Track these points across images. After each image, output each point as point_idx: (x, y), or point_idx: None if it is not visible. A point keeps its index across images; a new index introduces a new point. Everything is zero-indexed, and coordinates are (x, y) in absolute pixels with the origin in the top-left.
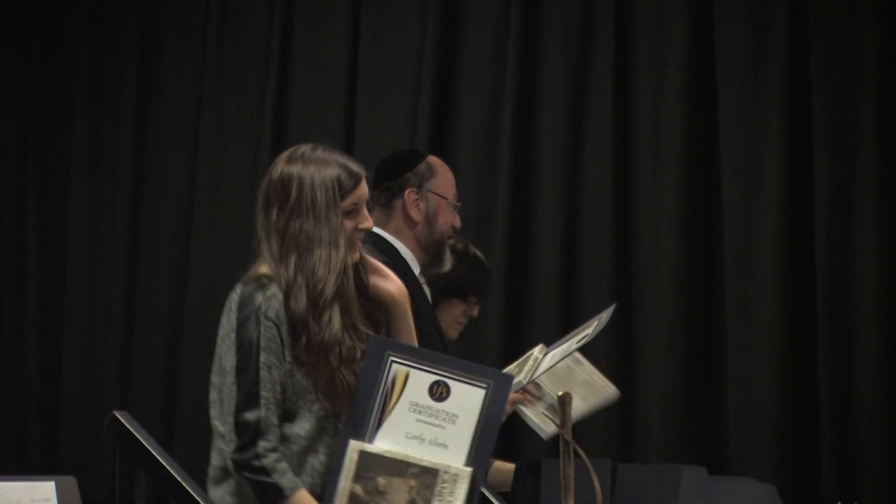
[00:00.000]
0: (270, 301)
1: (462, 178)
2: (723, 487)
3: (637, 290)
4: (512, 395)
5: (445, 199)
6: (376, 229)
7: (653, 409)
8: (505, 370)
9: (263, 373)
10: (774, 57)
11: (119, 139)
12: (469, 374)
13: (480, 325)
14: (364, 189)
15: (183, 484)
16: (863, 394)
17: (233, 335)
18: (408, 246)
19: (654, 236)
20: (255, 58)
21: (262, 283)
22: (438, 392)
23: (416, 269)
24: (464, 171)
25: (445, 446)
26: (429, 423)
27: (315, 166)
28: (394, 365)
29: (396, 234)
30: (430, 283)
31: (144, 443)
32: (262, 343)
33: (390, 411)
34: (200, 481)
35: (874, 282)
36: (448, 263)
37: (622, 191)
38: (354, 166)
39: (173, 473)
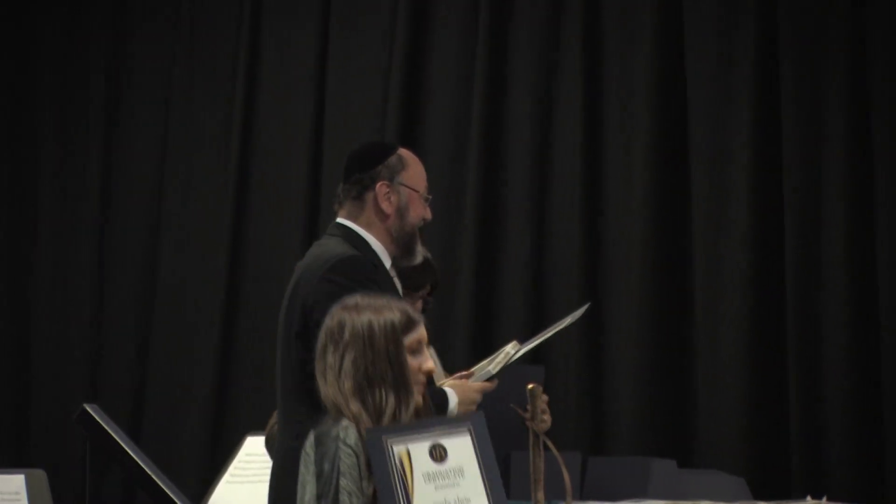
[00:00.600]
0: (348, 430)
1: (431, 168)
2: (692, 480)
3: (607, 284)
4: (483, 384)
5: (416, 191)
6: (347, 222)
7: (622, 402)
8: (477, 366)
9: (343, 498)
10: (744, 50)
11: (88, 133)
12: (451, 425)
13: (450, 320)
14: (423, 332)
15: (152, 476)
16: (832, 388)
17: (311, 468)
18: (379, 238)
19: (623, 232)
20: (225, 49)
21: (334, 420)
22: (438, 454)
23: (387, 263)
24: (433, 161)
25: (469, 500)
26: (445, 485)
27: (372, 311)
28: (393, 446)
29: (367, 226)
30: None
31: (114, 435)
32: (342, 468)
33: (412, 490)
34: (169, 473)
35: (843, 277)
36: (419, 256)
37: (592, 184)
38: (411, 310)
39: (143, 466)
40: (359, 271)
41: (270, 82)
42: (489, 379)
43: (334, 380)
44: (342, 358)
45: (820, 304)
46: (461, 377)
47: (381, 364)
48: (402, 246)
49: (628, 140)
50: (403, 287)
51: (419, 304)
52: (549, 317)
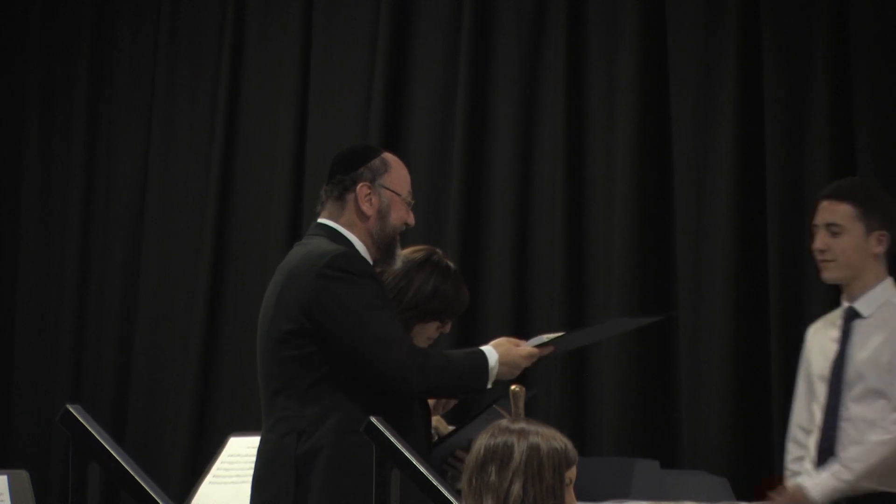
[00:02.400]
0: None
1: (414, 172)
2: (675, 481)
3: (589, 283)
4: (532, 349)
5: (398, 195)
6: (329, 222)
7: (605, 402)
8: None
9: None
10: (727, 49)
11: (71, 133)
12: None
13: None
14: (574, 471)
15: (136, 478)
16: None
17: None
18: (360, 240)
19: (606, 230)
20: (208, 52)
21: None
22: None
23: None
24: (416, 164)
25: None
26: None
27: (542, 437)
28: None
29: (349, 227)
30: (411, 307)
31: (97, 436)
32: None
33: None
34: (152, 473)
35: None
36: (399, 261)
37: (574, 185)
38: (571, 446)
39: (126, 466)
40: (356, 265)
41: (253, 86)
42: (541, 346)
43: (496, 502)
44: (510, 483)
45: (804, 305)
46: (509, 341)
47: (548, 497)
48: (382, 249)
49: (611, 142)
50: (450, 315)
51: (449, 325)
52: (532, 322)
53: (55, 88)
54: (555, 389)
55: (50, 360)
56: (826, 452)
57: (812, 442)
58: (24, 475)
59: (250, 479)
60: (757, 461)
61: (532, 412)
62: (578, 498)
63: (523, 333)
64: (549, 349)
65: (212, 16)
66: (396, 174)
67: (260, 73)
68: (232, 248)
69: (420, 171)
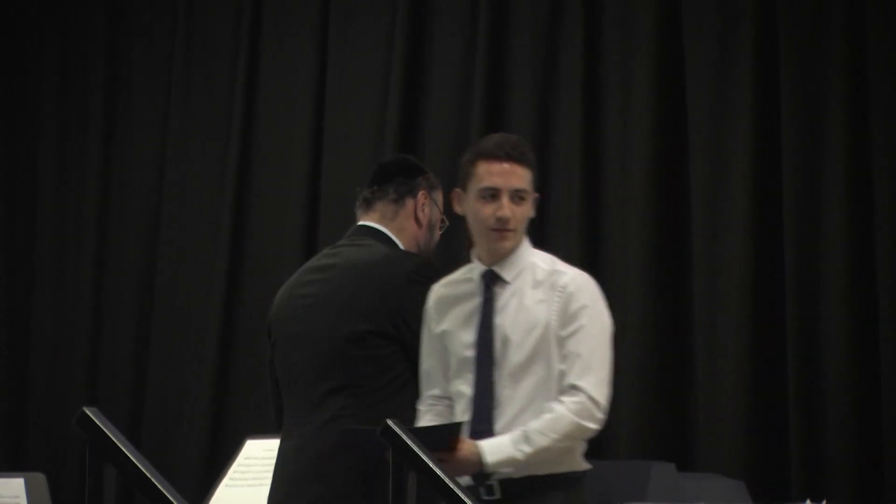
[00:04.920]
0: None
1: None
2: (691, 484)
3: (605, 287)
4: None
5: (442, 214)
6: (377, 225)
7: (622, 406)
8: None
9: None
10: (743, 51)
11: (88, 134)
12: None
13: None
14: None
15: (152, 479)
16: (831, 391)
17: None
18: (407, 246)
19: (622, 233)
20: (224, 52)
21: None
22: None
23: None
24: (432, 165)
25: None
26: None
27: None
28: None
29: (398, 231)
30: None
31: (114, 439)
32: None
33: None
34: (168, 476)
35: (842, 279)
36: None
37: (590, 186)
38: None
39: (143, 469)
40: (436, 274)
41: (269, 90)
42: None
43: None
44: None
45: (820, 309)
46: None
47: None
48: None
49: (627, 142)
50: None
51: None
52: None
53: (71, 94)
54: None
55: (66, 362)
56: None
57: None
58: (40, 478)
59: (268, 481)
60: (773, 464)
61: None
62: (594, 501)
63: None
64: None
65: (227, 20)
66: (441, 195)
67: (276, 77)
68: (248, 251)
69: (436, 172)
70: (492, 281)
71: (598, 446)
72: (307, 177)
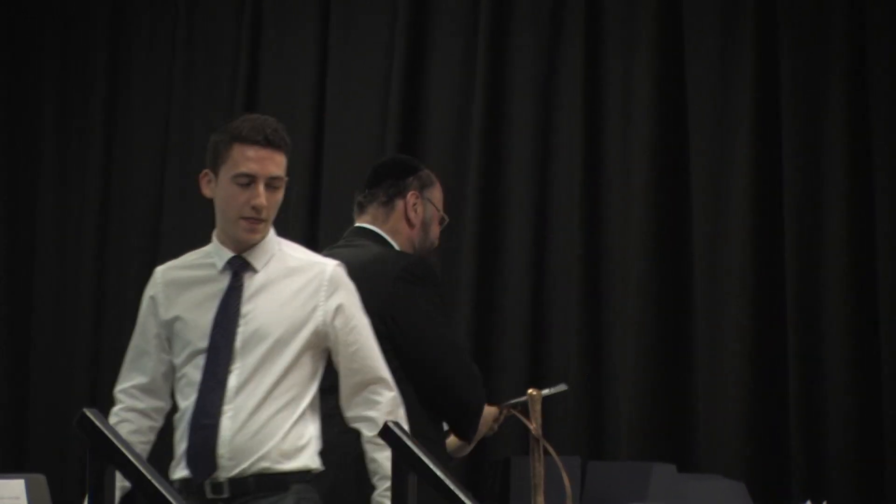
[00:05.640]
0: None
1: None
2: (692, 485)
3: (606, 287)
4: (492, 409)
5: (439, 211)
6: (372, 226)
7: (623, 406)
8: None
9: None
10: (744, 52)
11: (88, 134)
12: None
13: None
14: None
15: (153, 481)
16: (832, 392)
17: None
18: (402, 247)
19: (624, 233)
20: (225, 52)
21: None
22: None
23: None
24: (433, 166)
25: None
26: None
27: None
28: None
29: (392, 233)
30: None
31: (115, 440)
32: None
33: None
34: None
35: (843, 280)
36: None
37: (591, 186)
38: None
39: (143, 471)
40: (430, 273)
41: (270, 91)
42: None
43: None
44: None
45: (820, 310)
46: None
47: None
48: None
49: (628, 143)
50: None
51: None
52: (548, 326)
53: (72, 94)
54: (572, 395)
55: (67, 363)
56: None
57: None
58: (41, 479)
59: None
60: (774, 465)
61: (551, 415)
62: (595, 502)
63: (540, 338)
64: (511, 411)
65: (228, 21)
66: (438, 192)
67: (276, 78)
68: None
69: (437, 173)
70: (240, 268)
71: (599, 447)
72: (308, 178)
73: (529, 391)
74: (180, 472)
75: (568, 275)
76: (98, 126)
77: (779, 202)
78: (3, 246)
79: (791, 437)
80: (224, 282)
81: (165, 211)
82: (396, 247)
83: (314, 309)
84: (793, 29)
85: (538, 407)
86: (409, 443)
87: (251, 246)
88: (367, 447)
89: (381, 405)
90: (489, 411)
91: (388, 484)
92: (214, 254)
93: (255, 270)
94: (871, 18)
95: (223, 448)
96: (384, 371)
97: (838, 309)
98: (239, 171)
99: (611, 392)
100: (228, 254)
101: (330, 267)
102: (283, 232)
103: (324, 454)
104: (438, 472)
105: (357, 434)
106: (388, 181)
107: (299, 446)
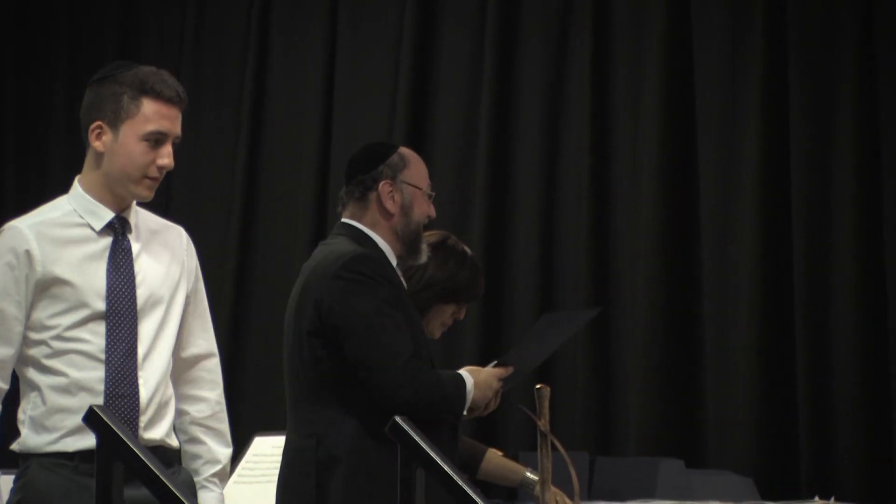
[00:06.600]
0: None
1: (439, 172)
2: (700, 480)
3: (615, 284)
4: (498, 370)
5: (420, 189)
6: (353, 222)
7: (631, 402)
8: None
9: None
10: (752, 52)
11: None
12: None
13: (458, 326)
14: None
15: (161, 477)
16: (840, 388)
17: None
18: (384, 238)
19: (632, 231)
20: (233, 53)
21: None
22: None
23: (394, 262)
24: (441, 165)
25: None
26: None
27: None
28: None
29: (372, 226)
30: (427, 286)
31: (123, 436)
32: None
33: None
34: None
35: (852, 278)
36: (424, 255)
37: (600, 185)
38: None
39: (152, 467)
40: (373, 267)
41: (278, 91)
42: (503, 365)
43: None
44: None
45: (829, 308)
46: (474, 368)
47: None
48: (407, 244)
49: (636, 143)
50: (465, 299)
51: (464, 312)
52: None
53: (81, 93)
54: (580, 390)
55: None
56: None
57: None
58: None
59: (276, 478)
60: (782, 461)
61: (560, 410)
62: (603, 497)
63: None
64: (509, 369)
65: (236, 21)
66: (416, 168)
67: (284, 78)
68: (257, 251)
69: (445, 172)
70: (122, 228)
71: (607, 443)
72: (316, 178)
73: (537, 386)
74: (80, 442)
75: (576, 273)
76: None
77: (788, 201)
78: None
79: (799, 433)
80: (103, 242)
81: (172, 212)
82: (379, 239)
83: (183, 271)
84: (802, 28)
85: (546, 402)
86: (417, 438)
87: (128, 206)
88: (193, 429)
89: (216, 386)
90: (488, 374)
91: (215, 469)
92: (87, 212)
93: (131, 231)
94: (880, 19)
95: (143, 417)
96: (215, 346)
97: (847, 306)
98: (151, 128)
99: (619, 387)
100: (109, 213)
101: (183, 232)
102: (292, 229)
103: (292, 461)
104: (446, 468)
105: (318, 439)
106: (358, 176)
107: (173, 425)
